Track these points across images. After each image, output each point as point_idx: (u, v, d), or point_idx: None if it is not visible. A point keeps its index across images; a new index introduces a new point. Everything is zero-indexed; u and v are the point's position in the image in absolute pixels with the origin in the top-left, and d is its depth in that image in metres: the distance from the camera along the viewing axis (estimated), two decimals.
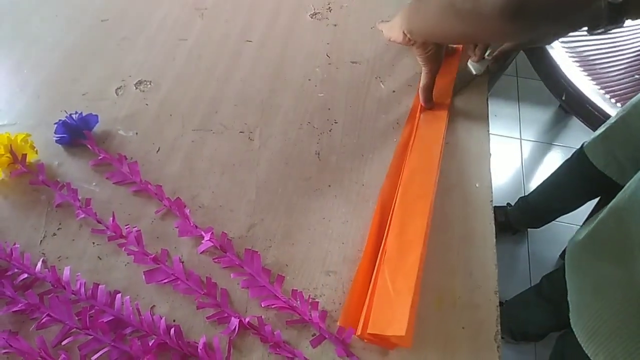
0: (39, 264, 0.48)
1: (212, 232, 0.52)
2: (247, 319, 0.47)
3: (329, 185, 0.57)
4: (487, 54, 0.67)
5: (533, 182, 1.58)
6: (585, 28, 0.42)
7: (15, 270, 0.48)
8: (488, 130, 0.63)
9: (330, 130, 0.62)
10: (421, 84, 0.61)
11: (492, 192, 0.57)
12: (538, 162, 1.68)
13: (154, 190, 0.54)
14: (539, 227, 1.43)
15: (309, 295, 0.49)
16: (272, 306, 0.48)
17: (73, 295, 0.47)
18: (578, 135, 1.65)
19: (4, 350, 0.44)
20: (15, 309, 0.46)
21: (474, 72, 0.66)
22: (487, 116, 0.64)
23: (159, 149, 0.59)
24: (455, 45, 0.69)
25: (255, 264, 0.50)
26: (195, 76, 0.67)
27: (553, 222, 1.40)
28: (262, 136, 0.61)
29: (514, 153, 1.68)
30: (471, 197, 0.57)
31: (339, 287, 0.50)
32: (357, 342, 0.47)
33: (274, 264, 0.51)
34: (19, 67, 0.67)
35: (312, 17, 0.75)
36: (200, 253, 0.51)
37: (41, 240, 0.51)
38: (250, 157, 0.59)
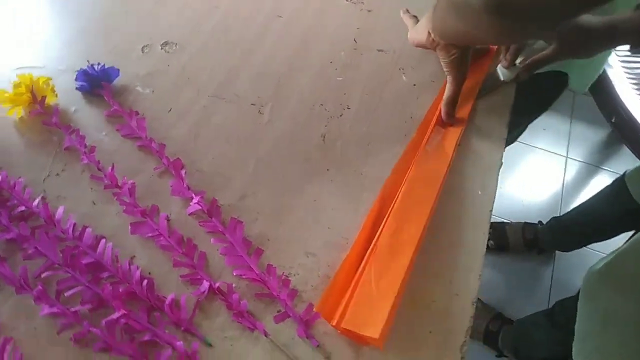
0: (37, 200, 0.51)
1: (203, 197, 0.53)
2: (217, 284, 0.48)
3: (328, 170, 0.57)
4: (518, 61, 0.64)
5: (571, 204, 1.51)
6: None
7: (15, 202, 0.51)
8: (504, 139, 0.60)
9: (340, 115, 0.61)
10: (444, 96, 0.59)
11: (493, 203, 0.55)
12: (581, 184, 1.59)
13: (157, 148, 0.56)
14: (567, 251, 1.37)
15: (283, 273, 0.49)
16: (244, 276, 0.48)
17: (61, 234, 0.49)
18: (629, 163, 1.56)
19: None
20: (7, 237, 0.49)
21: (501, 79, 0.63)
22: (507, 125, 0.62)
23: (170, 110, 0.61)
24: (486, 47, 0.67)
25: (237, 233, 0.51)
26: (221, 44, 0.68)
27: (583, 248, 1.33)
28: (272, 111, 0.61)
29: (556, 171, 1.60)
30: (470, 204, 0.55)
31: (315, 270, 0.50)
32: (320, 326, 0.47)
33: (256, 237, 0.51)
34: (57, 14, 0.70)
35: (347, 0, 0.74)
36: (188, 215, 0.52)
37: (45, 179, 0.54)
38: (256, 130, 0.59)
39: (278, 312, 0.47)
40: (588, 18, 0.60)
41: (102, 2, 0.72)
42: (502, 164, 0.58)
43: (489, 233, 1.36)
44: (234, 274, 0.49)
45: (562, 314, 1.01)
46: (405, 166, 0.57)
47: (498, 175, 0.57)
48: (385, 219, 0.52)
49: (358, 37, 0.70)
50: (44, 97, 0.57)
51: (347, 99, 0.63)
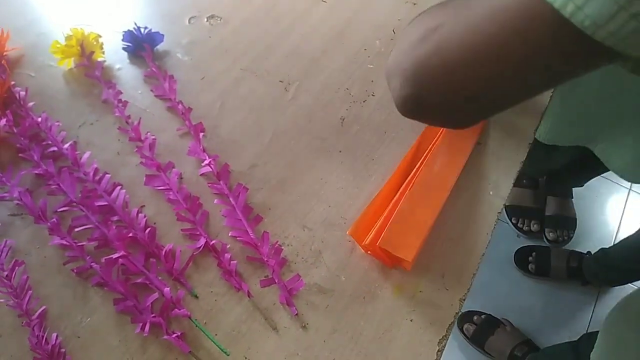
0: (68, 143, 0.56)
1: (216, 160, 0.55)
2: (212, 242, 0.50)
3: (340, 151, 0.57)
4: None
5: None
6: None
7: (49, 142, 0.56)
8: (529, 144, 0.58)
9: (364, 101, 0.62)
10: None
11: (503, 205, 0.53)
12: None
13: (183, 110, 0.59)
14: (612, 286, 1.28)
15: (277, 241, 0.51)
16: (239, 238, 0.50)
17: (83, 176, 0.54)
18: None
19: (16, 202, 0.52)
20: (36, 172, 0.54)
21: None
22: (534, 130, 0.59)
23: (203, 77, 0.64)
24: None
25: (241, 198, 0.53)
26: (261, 22, 0.70)
27: (630, 285, 1.24)
28: (297, 90, 0.63)
29: (616, 202, 1.50)
30: (480, 202, 0.54)
31: (308, 244, 0.51)
32: (302, 296, 0.48)
33: (258, 204, 0.53)
34: None
35: None
36: (200, 175, 0.55)
37: (80, 126, 0.59)
38: (279, 105, 0.61)
39: (265, 277, 0.49)
40: None
41: None
42: (521, 165, 0.56)
43: (532, 256, 1.31)
44: (230, 234, 0.51)
45: (588, 346, 0.95)
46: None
47: (515, 177, 0.55)
48: (422, 160, 0.54)
49: (397, 28, 0.70)
50: (92, 52, 0.62)
51: (374, 87, 0.63)
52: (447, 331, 0.46)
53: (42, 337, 0.44)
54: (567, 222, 1.39)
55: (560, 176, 1.33)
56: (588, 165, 1.17)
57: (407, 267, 0.48)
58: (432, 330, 0.46)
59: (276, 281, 0.48)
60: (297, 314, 0.46)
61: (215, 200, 0.53)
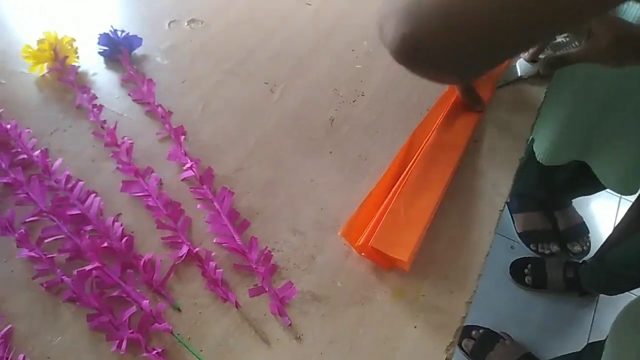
0: (39, 151, 0.52)
1: (198, 164, 0.52)
2: (196, 249, 0.46)
3: (330, 152, 0.54)
4: (543, 56, 0.59)
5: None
6: None
7: (19, 149, 0.52)
8: (526, 139, 0.56)
9: (354, 101, 0.59)
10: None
11: (505, 202, 0.51)
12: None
13: (162, 113, 0.56)
14: (611, 294, 1.25)
15: (266, 247, 0.47)
16: (225, 245, 0.46)
17: (55, 183, 0.50)
18: None
19: None
20: (3, 181, 0.50)
21: (518, 74, 0.59)
22: (531, 126, 0.57)
23: (184, 81, 0.61)
24: None
25: (226, 202, 0.49)
26: (244, 25, 0.68)
27: (629, 292, 1.21)
28: (283, 91, 0.60)
29: (608, 211, 1.48)
30: (480, 200, 0.51)
31: (300, 249, 0.47)
32: (295, 305, 0.44)
33: (245, 209, 0.50)
34: None
35: None
36: (181, 180, 0.51)
37: (52, 132, 0.55)
38: (264, 107, 0.58)
39: (254, 285, 0.45)
40: (629, 25, 0.54)
41: None
42: (520, 163, 0.54)
43: (527, 268, 1.28)
44: (215, 241, 0.47)
45: (592, 356, 0.92)
46: (435, 117, 0.56)
47: (515, 174, 0.53)
48: (414, 159, 0.51)
49: None
50: (65, 57, 0.59)
51: (363, 87, 0.61)
52: (454, 337, 0.42)
53: (7, 359, 0.39)
54: (581, 230, 1.37)
55: (560, 191, 1.31)
56: (586, 178, 1.16)
57: (405, 268, 0.45)
58: (438, 337, 0.42)
59: (266, 290, 0.44)
60: (290, 324, 0.42)
61: (199, 205, 0.49)
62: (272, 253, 0.47)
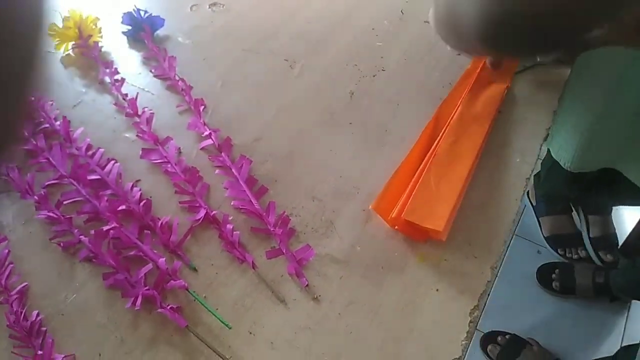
0: (60, 121, 0.52)
1: (217, 133, 0.51)
2: (213, 212, 0.45)
3: (350, 123, 0.54)
4: None
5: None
6: None
7: (41, 119, 0.53)
8: (553, 111, 0.54)
9: (374, 76, 0.58)
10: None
11: (532, 170, 0.49)
12: None
13: (182, 87, 0.56)
14: None
15: (284, 212, 0.46)
16: (242, 209, 0.46)
17: (76, 151, 0.50)
18: None
19: (4, 178, 0.48)
20: (26, 147, 0.50)
21: (537, 59, 0.58)
22: (558, 99, 0.55)
23: (205, 58, 0.61)
24: None
25: (244, 169, 0.48)
26: (265, 7, 0.68)
27: None
28: (303, 67, 0.60)
29: (634, 214, 1.41)
30: (506, 169, 0.49)
31: (318, 214, 0.46)
32: (313, 267, 0.42)
33: (263, 177, 0.49)
34: None
35: None
36: (200, 149, 0.51)
37: (75, 105, 0.56)
38: (284, 82, 0.58)
39: (272, 248, 0.44)
40: None
41: None
42: (547, 134, 0.52)
43: (555, 274, 1.22)
44: (232, 204, 0.46)
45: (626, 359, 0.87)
46: (460, 91, 0.55)
47: (541, 144, 0.51)
48: (442, 132, 0.50)
49: (406, 9, 0.67)
50: (89, 35, 0.60)
51: (384, 62, 0.60)
52: (479, 301, 0.40)
53: (21, 313, 0.39)
54: (613, 240, 1.30)
55: (596, 191, 1.25)
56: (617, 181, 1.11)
57: (442, 238, 0.43)
58: (462, 300, 0.40)
59: (284, 252, 0.43)
60: (307, 285, 0.41)
61: (217, 171, 0.49)
62: (290, 218, 0.46)
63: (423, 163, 0.48)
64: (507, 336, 1.16)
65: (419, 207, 0.43)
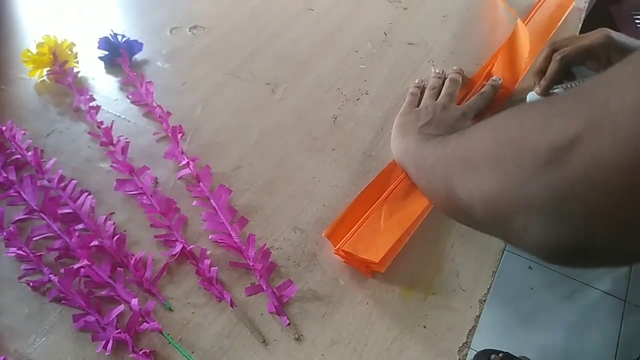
0: (32, 151, 0.50)
1: (195, 162, 0.50)
2: (190, 247, 0.43)
3: (333, 149, 0.52)
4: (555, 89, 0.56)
5: (628, 358, 1.21)
6: None
7: (13, 150, 0.51)
8: None
9: (357, 100, 0.57)
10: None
11: None
12: None
13: (160, 113, 0.54)
14: None
15: (265, 244, 0.44)
16: (220, 242, 0.44)
17: (47, 182, 0.48)
18: None
19: None
20: None
21: None
22: None
23: (184, 83, 0.59)
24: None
25: (223, 199, 0.47)
26: (247, 30, 0.67)
27: None
28: (285, 91, 0.58)
29: (613, 315, 1.28)
30: None
31: (300, 246, 0.44)
32: (295, 304, 0.41)
33: (243, 207, 0.47)
34: None
35: None
36: (177, 179, 0.49)
37: (48, 134, 0.54)
38: (266, 106, 0.57)
39: (251, 284, 0.42)
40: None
41: None
42: None
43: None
44: (210, 238, 0.44)
45: None
46: None
47: None
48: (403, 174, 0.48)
49: (389, 31, 0.66)
50: (65, 61, 0.58)
51: (367, 85, 0.59)
52: (467, 338, 0.39)
53: None
54: None
55: None
56: None
57: (381, 270, 0.41)
58: (450, 337, 0.39)
59: (264, 288, 0.41)
60: (289, 324, 0.39)
61: (194, 202, 0.47)
62: (271, 251, 0.44)
63: (382, 197, 0.46)
64: (500, 354, 1.14)
65: (362, 240, 0.42)
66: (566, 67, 0.52)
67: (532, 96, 0.54)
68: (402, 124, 0.50)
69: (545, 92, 0.53)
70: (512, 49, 0.61)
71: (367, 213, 0.45)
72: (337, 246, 0.42)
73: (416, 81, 0.57)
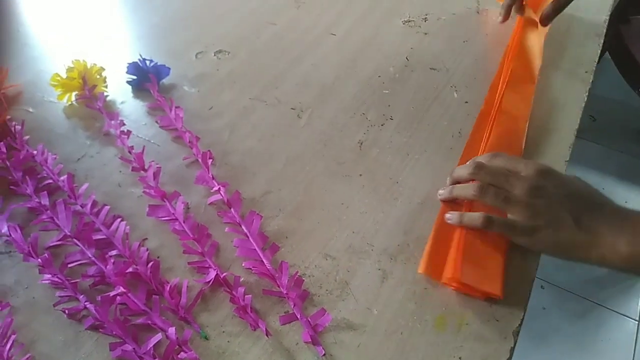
0: (65, 176, 0.51)
1: (226, 188, 0.50)
2: (223, 274, 0.44)
3: (360, 175, 0.53)
4: None
5: None
6: None
7: (44, 174, 0.51)
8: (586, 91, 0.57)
9: (382, 125, 0.58)
10: None
11: None
12: None
13: (190, 138, 0.55)
14: None
15: (297, 272, 0.44)
16: (254, 270, 0.44)
17: (80, 208, 0.48)
18: None
19: (5, 239, 0.46)
20: (29, 205, 0.49)
21: None
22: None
23: (211, 107, 0.60)
24: None
25: (254, 226, 0.47)
26: (271, 54, 0.68)
27: None
28: (311, 116, 0.59)
29: (626, 336, 1.27)
30: None
31: (332, 274, 0.45)
32: (329, 334, 0.41)
33: (274, 233, 0.48)
34: (125, 17, 0.75)
35: (404, 23, 0.73)
36: (209, 204, 0.50)
37: (79, 159, 0.54)
38: (292, 131, 0.57)
39: (285, 312, 0.42)
40: None
41: (167, 11, 0.75)
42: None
43: None
44: (244, 265, 0.45)
45: None
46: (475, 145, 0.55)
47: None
48: None
49: (411, 56, 0.67)
50: (94, 86, 0.59)
51: (391, 110, 0.60)
52: None
53: None
54: None
55: None
56: None
57: (500, 296, 0.42)
58: None
59: (298, 317, 0.41)
60: (324, 355, 0.39)
61: (227, 229, 0.47)
62: (304, 278, 0.44)
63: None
64: None
65: (473, 267, 0.43)
66: None
67: None
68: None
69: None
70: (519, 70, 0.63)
71: (457, 236, 0.45)
72: (448, 276, 0.43)
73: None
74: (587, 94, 0.61)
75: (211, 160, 0.53)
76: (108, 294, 0.42)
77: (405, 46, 0.69)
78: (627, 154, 1.66)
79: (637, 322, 1.29)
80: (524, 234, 0.44)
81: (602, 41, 0.68)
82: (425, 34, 0.71)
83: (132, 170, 0.52)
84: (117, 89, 0.62)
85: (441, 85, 0.63)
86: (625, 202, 0.50)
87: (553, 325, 1.28)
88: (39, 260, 0.44)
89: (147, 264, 0.44)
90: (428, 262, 0.44)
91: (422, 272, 0.44)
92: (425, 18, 0.74)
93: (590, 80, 0.62)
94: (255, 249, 0.46)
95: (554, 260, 0.44)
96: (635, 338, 1.26)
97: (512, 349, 0.40)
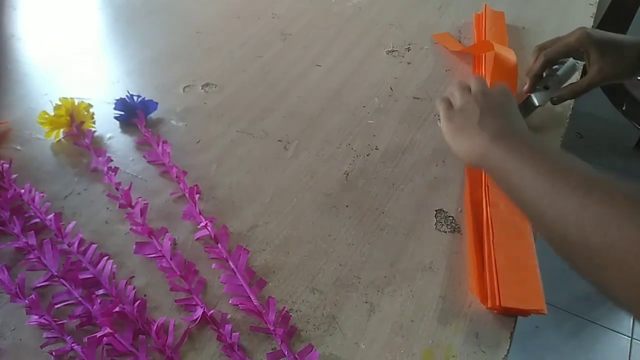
0: (52, 215, 0.51)
1: (213, 222, 0.51)
2: (210, 312, 0.44)
3: (347, 206, 0.53)
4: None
5: None
6: None
7: (32, 213, 0.52)
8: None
9: (367, 155, 0.59)
10: None
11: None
12: None
13: (177, 173, 0.55)
14: None
15: (284, 307, 0.45)
16: (241, 306, 0.44)
17: (67, 247, 0.49)
18: None
19: None
20: (16, 245, 0.49)
21: (536, 104, 0.60)
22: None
23: (199, 141, 0.61)
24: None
25: (241, 261, 0.47)
26: (258, 87, 0.69)
27: None
28: (297, 148, 0.60)
29: (619, 353, 1.26)
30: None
31: (319, 308, 0.45)
32: None
33: (261, 268, 0.48)
34: (113, 54, 0.76)
35: (387, 53, 0.75)
36: (195, 239, 0.50)
37: (66, 196, 0.55)
38: (279, 164, 0.58)
39: (273, 349, 0.42)
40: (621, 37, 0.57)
41: (156, 46, 0.77)
42: None
43: None
44: (230, 302, 0.45)
45: None
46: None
47: None
48: (485, 201, 0.52)
49: (394, 85, 0.69)
50: (82, 122, 0.60)
51: (376, 140, 0.61)
52: None
53: None
54: None
55: None
56: None
57: (545, 312, 0.43)
58: None
59: (285, 354, 0.41)
60: None
61: (213, 265, 0.47)
62: (290, 314, 0.44)
63: (486, 245, 0.48)
64: None
65: (512, 289, 0.44)
66: (549, 63, 0.60)
67: (536, 94, 0.61)
68: (456, 127, 0.49)
69: (532, 88, 0.61)
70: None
71: (487, 260, 0.47)
72: (488, 305, 0.44)
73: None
74: (570, 112, 0.63)
75: (198, 195, 0.53)
76: (95, 334, 0.42)
77: (389, 76, 0.70)
78: (614, 170, 1.68)
79: (630, 339, 1.29)
80: (445, 118, 0.50)
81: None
82: (409, 63, 0.73)
83: (119, 207, 0.53)
84: (105, 124, 0.63)
85: (425, 114, 0.64)
86: None
87: (547, 344, 1.28)
88: (26, 301, 0.44)
89: (134, 302, 0.44)
90: (474, 284, 0.46)
91: (471, 292, 0.45)
92: (409, 48, 0.76)
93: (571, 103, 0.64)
94: (242, 285, 0.46)
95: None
96: (628, 354, 1.26)
97: None
